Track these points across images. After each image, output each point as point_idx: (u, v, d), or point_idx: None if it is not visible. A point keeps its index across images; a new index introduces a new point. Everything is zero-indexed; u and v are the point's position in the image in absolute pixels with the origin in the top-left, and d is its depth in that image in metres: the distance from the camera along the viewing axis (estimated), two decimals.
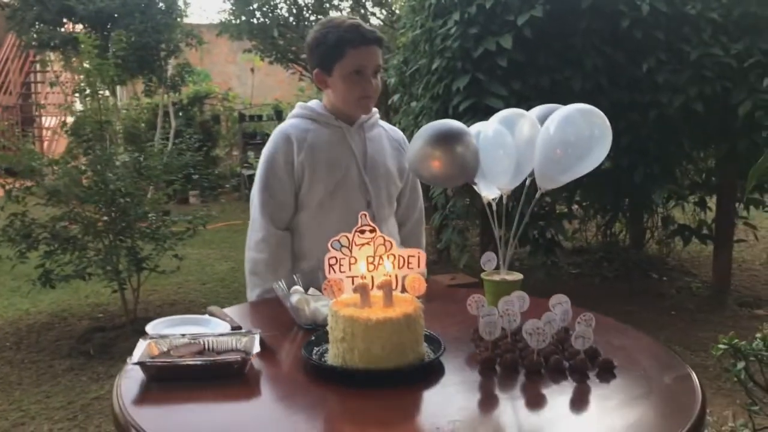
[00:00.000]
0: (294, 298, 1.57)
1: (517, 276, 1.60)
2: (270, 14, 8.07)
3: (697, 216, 5.25)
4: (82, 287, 4.90)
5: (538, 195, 1.52)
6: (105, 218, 4.06)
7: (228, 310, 1.70)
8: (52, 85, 7.71)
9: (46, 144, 11.62)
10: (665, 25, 4.11)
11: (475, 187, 1.61)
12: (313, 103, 2.04)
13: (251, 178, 8.91)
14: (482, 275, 1.60)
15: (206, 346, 1.38)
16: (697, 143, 4.77)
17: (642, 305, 4.65)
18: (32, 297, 4.74)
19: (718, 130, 4.42)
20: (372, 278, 1.38)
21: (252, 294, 1.99)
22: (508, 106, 3.92)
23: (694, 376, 1.31)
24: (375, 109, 2.06)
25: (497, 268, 1.60)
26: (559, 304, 1.47)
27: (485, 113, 3.93)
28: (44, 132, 11.97)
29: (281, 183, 1.96)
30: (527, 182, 1.59)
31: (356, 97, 1.92)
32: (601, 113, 1.44)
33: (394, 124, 2.33)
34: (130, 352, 1.33)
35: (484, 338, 1.36)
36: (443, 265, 5.38)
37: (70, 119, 4.38)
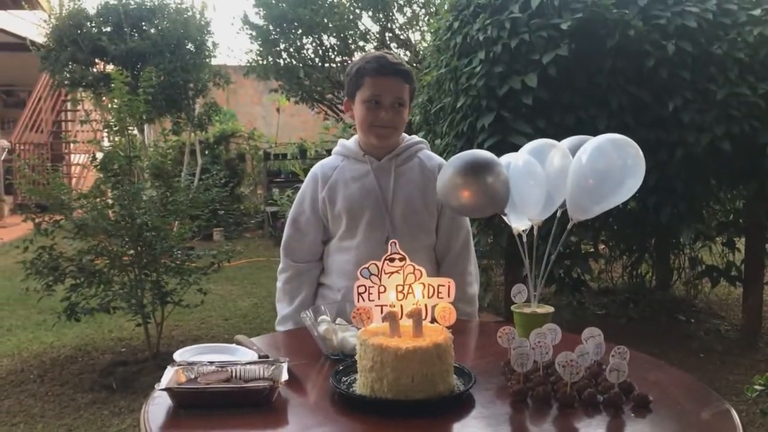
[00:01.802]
0: (321, 328, 1.56)
1: (548, 309, 1.58)
2: (296, 55, 8.22)
3: (726, 257, 5.17)
4: (105, 321, 4.92)
5: (570, 225, 1.51)
6: (131, 252, 4.09)
7: (255, 339, 1.69)
8: (82, 122, 7.86)
9: (74, 180, 11.82)
10: (691, 65, 4.10)
11: (505, 218, 1.60)
12: (351, 139, 2.12)
13: (275, 215, 9.00)
14: (512, 307, 1.58)
15: (233, 374, 1.37)
16: (724, 183, 4.72)
17: (669, 347, 4.55)
18: (57, 330, 4.76)
19: (746, 170, 4.37)
20: (401, 307, 1.37)
21: (276, 321, 2.13)
22: None
23: (733, 412, 1.27)
24: (415, 139, 2.09)
25: (527, 300, 1.58)
26: (592, 337, 1.44)
27: (510, 151, 3.93)
28: (73, 168, 12.19)
29: (307, 218, 2.07)
30: (558, 214, 1.58)
31: (369, 124, 1.97)
32: (634, 143, 1.44)
33: None
34: (152, 387, 1.32)
35: (515, 370, 1.33)
36: None
37: (99, 155, 4.45)
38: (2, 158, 10.67)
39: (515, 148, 3.89)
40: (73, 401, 3.73)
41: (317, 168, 2.11)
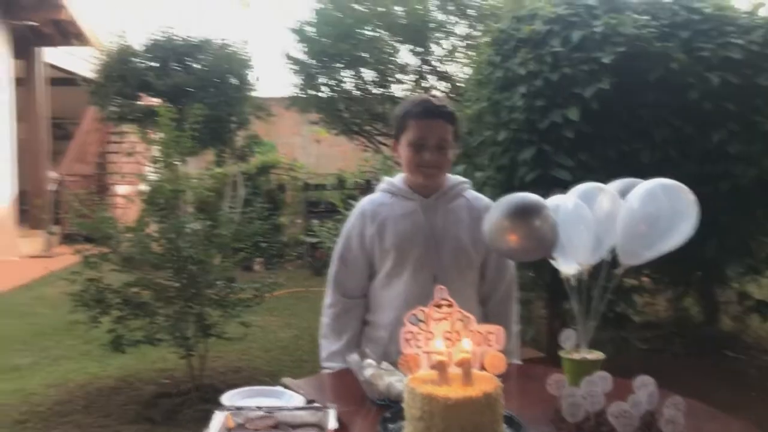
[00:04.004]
0: (367, 372, 1.56)
1: (599, 355, 1.55)
2: (336, 88, 8.32)
3: None
4: (149, 351, 4.97)
5: (619, 270, 1.49)
6: (176, 285, 4.14)
7: (301, 382, 1.70)
8: (129, 155, 8.07)
9: (119, 212, 12.07)
10: (736, 97, 4.04)
11: (553, 262, 1.58)
12: (397, 177, 2.15)
13: (314, 246, 9.03)
14: (561, 353, 1.56)
15: (281, 420, 1.37)
16: None
17: (718, 385, 4.42)
18: (102, 361, 4.84)
19: None
20: (449, 354, 1.36)
21: (321, 357, 2.13)
22: (575, 177, 3.89)
23: None
24: (459, 179, 2.13)
25: (577, 346, 1.56)
26: (644, 386, 1.41)
27: (551, 184, 3.90)
28: (117, 200, 12.46)
29: (354, 255, 2.10)
30: (607, 257, 1.56)
31: (415, 166, 2.02)
32: (686, 188, 1.42)
33: None
34: (194, 420, 1.34)
35: (567, 420, 1.31)
36: None
37: (144, 188, 4.54)
38: (52, 189, 10.95)
39: (557, 181, 3.90)
40: None
41: (365, 204, 2.13)
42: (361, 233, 2.08)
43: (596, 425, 1.33)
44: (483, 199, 2.13)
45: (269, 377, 4.78)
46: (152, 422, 3.90)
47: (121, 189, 12.34)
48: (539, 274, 4.59)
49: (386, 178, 2.18)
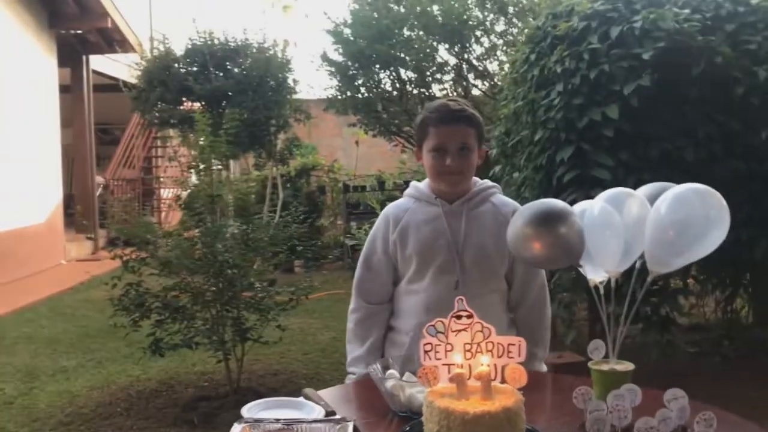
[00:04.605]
0: (389, 384, 1.53)
1: (628, 366, 1.49)
2: (374, 89, 8.32)
3: None
4: (189, 354, 5.03)
5: (650, 279, 1.42)
6: (213, 289, 4.17)
7: (323, 393, 1.67)
8: (170, 159, 8.20)
9: (164, 214, 12.30)
10: None
11: (580, 269, 1.53)
12: (423, 182, 2.13)
13: (353, 248, 9.05)
14: (590, 364, 1.50)
15: None
16: None
17: None
18: (143, 363, 4.91)
19: None
20: (469, 367, 1.32)
21: (348, 362, 2.15)
22: (615, 177, 3.81)
23: None
24: (488, 184, 2.09)
25: (606, 356, 1.50)
26: (675, 399, 1.35)
27: (591, 184, 3.82)
28: (162, 203, 12.71)
29: (378, 259, 2.09)
30: (637, 264, 1.50)
31: (437, 172, 2.00)
32: (717, 193, 1.35)
33: None
34: (231, 424, 1.33)
35: None
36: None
37: (183, 193, 4.60)
38: (98, 194, 11.22)
39: (596, 181, 3.80)
40: None
41: (389, 209, 2.13)
42: (385, 237, 2.07)
43: None
44: (510, 204, 2.09)
45: (306, 380, 4.79)
46: (190, 425, 3.94)
47: (166, 193, 12.59)
48: (581, 275, 4.49)
49: (413, 183, 2.16)
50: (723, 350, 5.06)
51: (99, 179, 11.56)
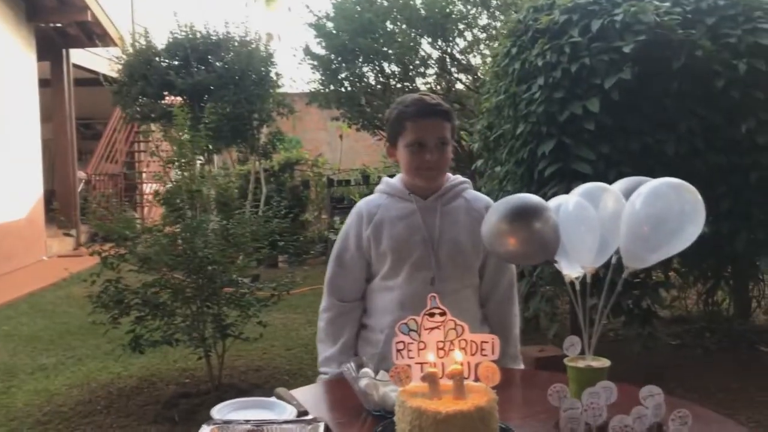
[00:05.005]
0: (363, 383, 1.51)
1: (605, 362, 1.47)
2: (358, 83, 8.27)
3: None
4: (170, 351, 4.98)
5: (625, 274, 1.41)
6: (193, 285, 4.13)
7: (296, 392, 1.65)
8: (152, 154, 8.12)
9: (146, 210, 12.20)
10: (765, 84, 3.89)
11: (556, 265, 1.51)
12: (395, 178, 2.09)
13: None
14: (565, 361, 1.49)
15: None
16: None
17: (750, 381, 4.29)
18: (124, 361, 4.85)
19: None
20: (442, 365, 1.30)
21: (319, 362, 2.10)
22: (596, 170, 3.80)
23: None
24: (459, 179, 2.06)
25: (582, 352, 1.48)
26: (651, 396, 1.33)
27: (572, 178, 3.81)
28: (145, 198, 12.60)
29: (351, 256, 2.05)
30: (613, 260, 1.48)
31: (415, 168, 1.96)
32: (693, 188, 1.33)
33: (479, 189, 2.30)
34: None
35: None
36: (531, 335, 5.17)
37: (162, 188, 4.54)
38: (80, 189, 11.10)
39: (578, 174, 3.79)
40: None
41: (362, 205, 2.09)
42: (358, 234, 2.04)
43: None
44: (482, 199, 2.07)
45: (289, 376, 4.76)
46: (171, 422, 3.90)
47: (149, 188, 12.48)
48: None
49: (384, 179, 2.12)
50: (704, 342, 5.09)
51: (81, 174, 11.44)
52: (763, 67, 3.82)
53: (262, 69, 8.36)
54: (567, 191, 2.02)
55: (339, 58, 8.06)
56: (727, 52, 3.87)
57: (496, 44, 5.39)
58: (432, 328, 1.32)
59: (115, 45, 10.05)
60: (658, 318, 4.88)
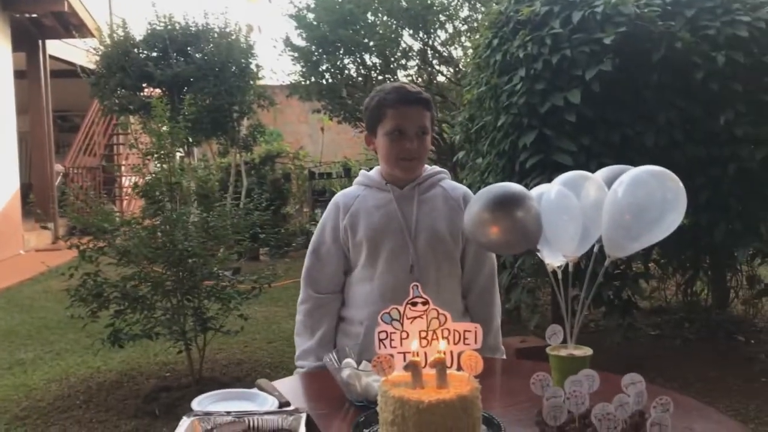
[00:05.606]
0: (345, 373, 1.50)
1: (587, 351, 1.47)
2: (339, 75, 8.23)
3: None
4: (150, 345, 4.94)
5: (607, 263, 1.41)
6: (173, 278, 4.09)
7: (278, 383, 1.64)
8: (131, 147, 8.03)
9: (125, 202, 12.08)
10: (743, 76, 3.93)
11: (538, 254, 1.51)
12: (373, 170, 2.08)
13: None
14: (548, 350, 1.49)
15: (251, 425, 1.31)
16: None
17: (728, 370, 4.34)
18: (104, 354, 4.81)
19: None
20: (425, 355, 1.29)
21: (296, 356, 2.11)
22: (577, 161, 3.81)
23: None
24: (436, 169, 2.05)
25: (564, 341, 1.48)
26: (633, 384, 1.34)
27: (553, 169, 3.81)
28: (124, 191, 12.47)
29: (328, 248, 2.03)
30: (595, 248, 1.48)
31: (395, 157, 1.94)
32: (674, 176, 1.33)
33: (460, 181, 2.29)
34: None
35: (548, 423, 1.24)
36: (513, 326, 5.19)
37: (141, 181, 4.49)
38: (57, 182, 10.96)
39: (559, 166, 3.80)
40: (116, 428, 3.75)
41: (338, 197, 2.08)
42: (335, 226, 2.02)
43: (580, 428, 1.26)
44: (459, 188, 2.06)
45: (271, 369, 4.74)
46: (151, 416, 3.87)
47: (128, 181, 12.36)
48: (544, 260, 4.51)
49: (362, 171, 2.11)
50: (683, 332, 5.14)
51: (58, 167, 11.30)
52: (742, 59, 3.85)
53: (243, 60, 8.29)
54: (548, 183, 2.02)
55: (320, 50, 8.01)
56: (706, 44, 3.90)
57: (477, 36, 5.37)
58: (414, 318, 1.31)
59: (93, 36, 9.90)
60: (638, 308, 4.92)
